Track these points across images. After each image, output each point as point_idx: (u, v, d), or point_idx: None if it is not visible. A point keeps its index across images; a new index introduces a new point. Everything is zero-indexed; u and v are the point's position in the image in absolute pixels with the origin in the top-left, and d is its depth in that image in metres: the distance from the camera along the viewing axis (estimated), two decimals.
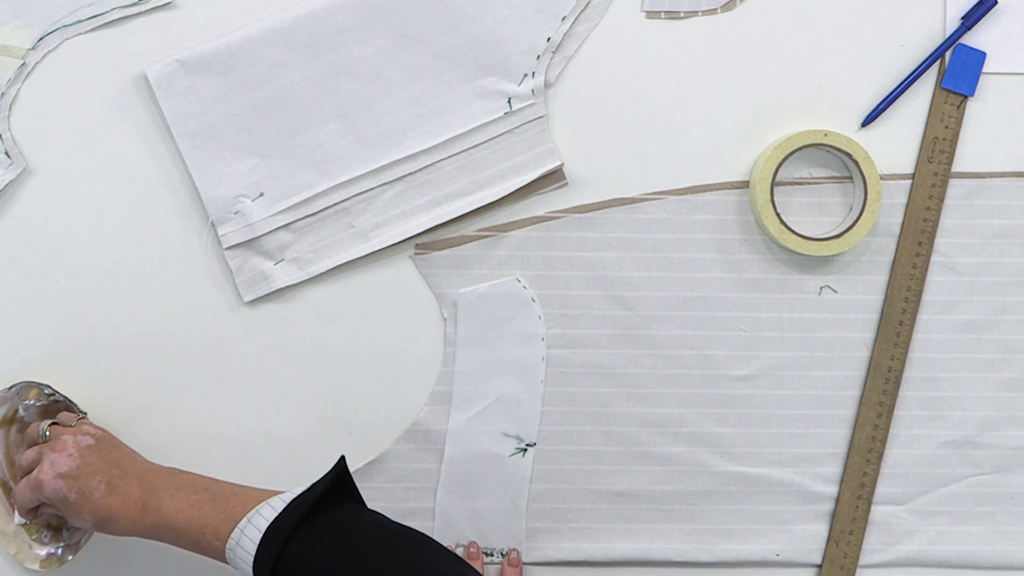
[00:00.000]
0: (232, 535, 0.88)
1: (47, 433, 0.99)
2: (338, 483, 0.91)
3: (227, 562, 0.89)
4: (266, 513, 0.87)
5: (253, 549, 0.86)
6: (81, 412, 1.04)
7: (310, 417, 1.08)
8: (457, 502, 1.08)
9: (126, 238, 1.06)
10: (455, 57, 1.05)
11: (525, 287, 1.07)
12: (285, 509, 0.87)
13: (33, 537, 1.05)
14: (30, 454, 0.99)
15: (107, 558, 1.07)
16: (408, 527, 0.88)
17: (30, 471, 0.98)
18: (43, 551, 1.05)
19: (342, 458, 0.92)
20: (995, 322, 1.09)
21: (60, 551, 1.05)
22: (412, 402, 1.08)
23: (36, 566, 1.04)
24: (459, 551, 1.09)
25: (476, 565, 1.07)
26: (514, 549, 1.08)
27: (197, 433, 1.07)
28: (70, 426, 1.00)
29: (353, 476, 1.06)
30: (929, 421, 1.10)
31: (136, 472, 0.96)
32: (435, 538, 1.08)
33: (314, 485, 0.89)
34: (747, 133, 1.08)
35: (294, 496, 0.88)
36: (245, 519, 0.88)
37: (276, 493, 0.90)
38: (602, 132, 1.07)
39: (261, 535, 0.86)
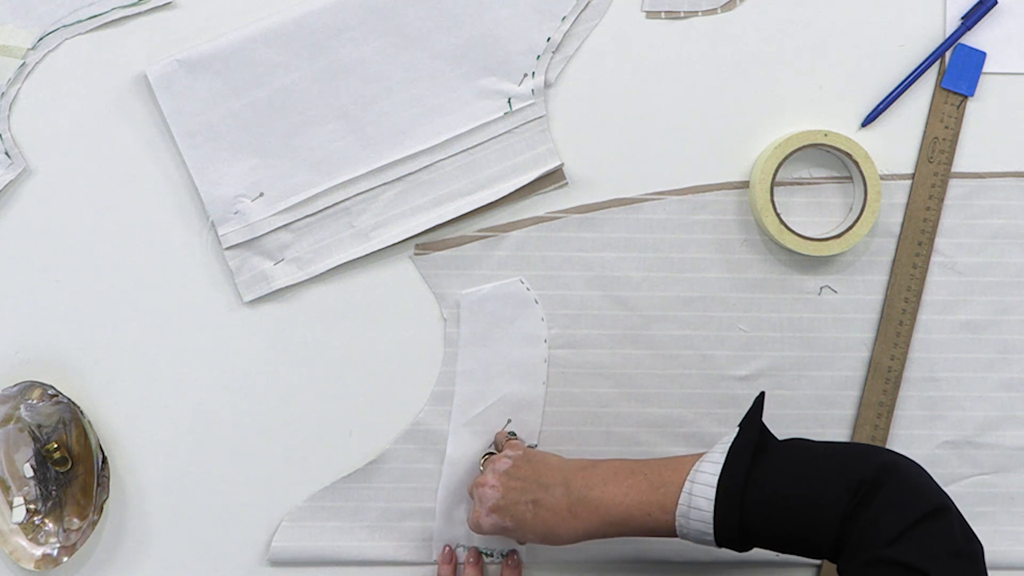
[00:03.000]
0: (680, 500, 0.89)
1: (481, 467, 1.05)
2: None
3: (675, 532, 0.90)
4: (708, 468, 0.89)
5: (710, 505, 0.87)
6: (511, 435, 1.08)
7: (310, 417, 1.08)
8: (458, 503, 1.08)
9: (126, 238, 1.06)
10: (455, 57, 1.05)
11: (528, 288, 1.07)
12: (728, 457, 0.88)
13: (29, 537, 1.05)
14: (468, 488, 1.05)
15: (102, 559, 1.07)
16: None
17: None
18: (38, 551, 1.05)
19: (762, 394, 0.93)
20: (995, 322, 1.09)
21: (56, 551, 1.05)
22: (412, 402, 1.08)
23: (31, 566, 1.04)
24: (459, 552, 1.08)
25: (475, 570, 1.07)
26: (514, 550, 1.08)
27: (197, 433, 1.07)
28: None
29: (353, 476, 1.07)
30: (929, 421, 1.10)
31: (557, 481, 0.96)
32: (435, 539, 1.09)
33: (744, 429, 0.90)
34: (747, 133, 1.08)
35: (727, 445, 0.89)
36: (688, 481, 0.89)
37: (697, 456, 0.91)
38: (602, 132, 1.07)
39: (714, 490, 0.87)
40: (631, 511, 0.91)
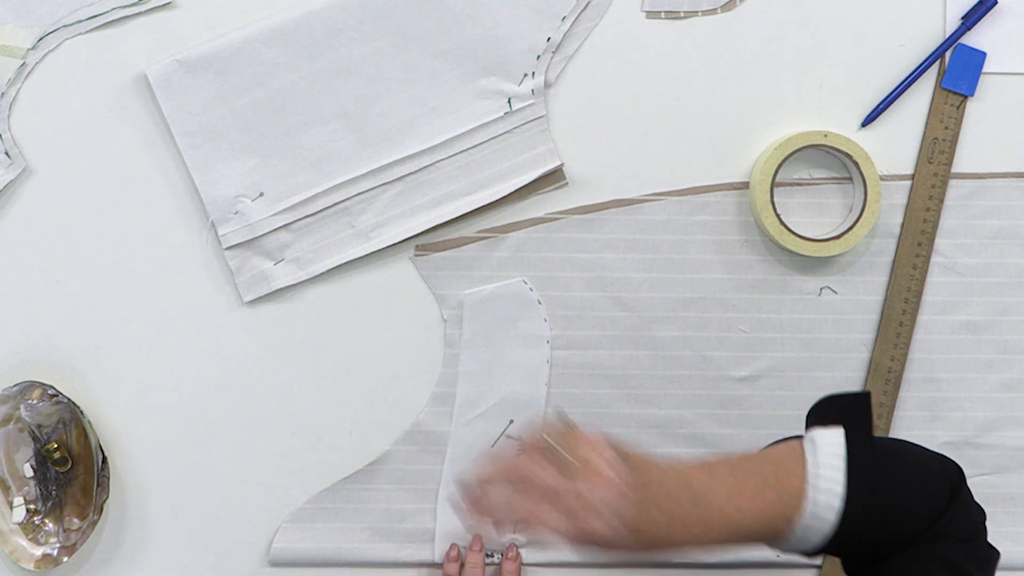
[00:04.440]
0: (806, 511, 0.77)
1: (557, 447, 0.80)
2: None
3: (786, 540, 0.78)
4: (829, 475, 0.77)
5: (832, 517, 0.76)
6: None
7: (310, 417, 1.08)
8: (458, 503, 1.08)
9: (126, 238, 1.06)
10: (455, 57, 1.05)
11: (531, 289, 1.07)
12: (850, 469, 0.77)
13: (29, 537, 1.05)
14: (546, 478, 0.78)
15: (102, 559, 1.07)
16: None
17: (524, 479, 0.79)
18: (38, 551, 1.05)
19: (868, 395, 0.82)
20: (995, 323, 1.09)
21: (56, 551, 1.05)
22: (412, 403, 1.08)
23: (31, 566, 1.04)
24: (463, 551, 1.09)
25: (478, 558, 1.07)
26: (513, 545, 1.08)
27: (197, 433, 1.07)
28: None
29: (353, 477, 1.07)
30: (929, 422, 1.10)
31: (674, 485, 0.78)
32: (435, 540, 1.08)
33: (855, 436, 0.79)
34: (747, 134, 1.08)
35: (840, 449, 0.78)
36: (810, 488, 0.77)
37: (797, 437, 0.82)
38: (602, 132, 1.07)
39: (841, 501, 0.76)
40: (759, 520, 0.78)
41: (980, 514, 0.81)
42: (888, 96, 1.07)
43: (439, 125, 1.06)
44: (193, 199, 1.06)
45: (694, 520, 0.77)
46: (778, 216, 1.05)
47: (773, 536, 0.78)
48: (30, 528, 1.05)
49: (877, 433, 1.07)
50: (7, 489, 1.06)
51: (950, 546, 0.78)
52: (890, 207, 1.08)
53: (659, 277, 1.08)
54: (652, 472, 0.78)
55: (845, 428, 0.79)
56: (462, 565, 1.08)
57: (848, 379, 1.09)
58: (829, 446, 0.79)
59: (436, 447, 1.08)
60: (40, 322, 1.06)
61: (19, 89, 1.05)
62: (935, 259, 1.08)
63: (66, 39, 1.04)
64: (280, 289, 1.06)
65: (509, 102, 1.06)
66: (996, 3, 1.06)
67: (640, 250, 1.08)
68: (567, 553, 1.09)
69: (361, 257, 1.07)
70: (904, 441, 0.84)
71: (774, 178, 1.05)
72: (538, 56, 1.06)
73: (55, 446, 1.05)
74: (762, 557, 1.09)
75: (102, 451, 1.04)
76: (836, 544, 0.78)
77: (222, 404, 1.07)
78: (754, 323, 1.09)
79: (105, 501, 1.04)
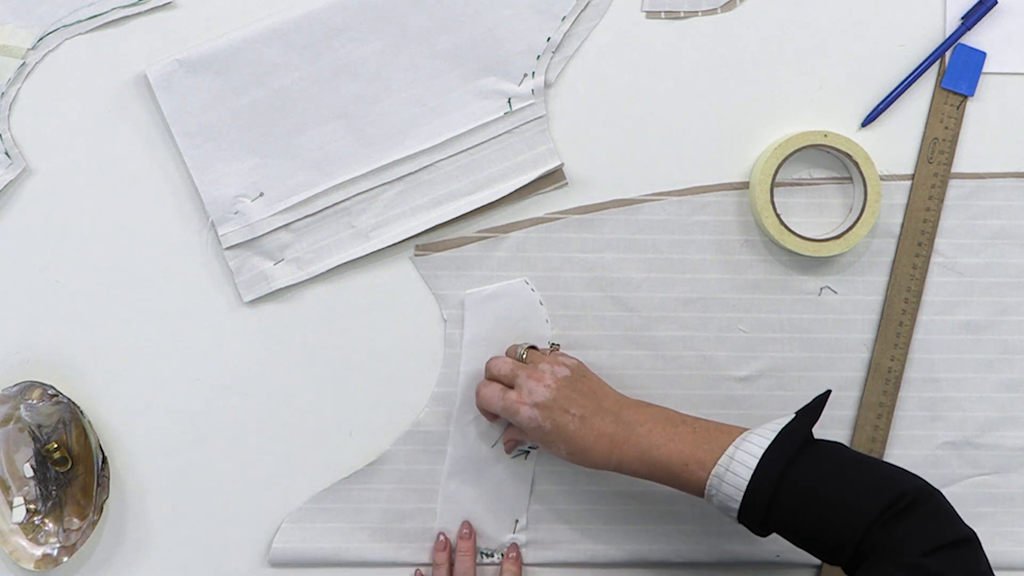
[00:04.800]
0: (720, 461, 0.90)
1: (524, 356, 1.02)
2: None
3: (703, 493, 0.92)
4: (755, 440, 0.90)
5: (747, 474, 0.88)
6: (554, 344, 1.07)
7: (310, 417, 1.08)
8: (458, 504, 1.08)
9: (126, 238, 1.06)
10: (455, 57, 1.05)
11: (533, 289, 1.07)
12: (778, 438, 0.89)
13: (29, 537, 1.05)
14: (501, 365, 1.02)
15: (102, 559, 1.07)
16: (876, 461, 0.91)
17: (495, 379, 1.02)
18: (38, 551, 1.05)
19: (827, 393, 0.94)
20: (995, 323, 1.09)
21: (56, 551, 1.05)
22: (412, 403, 1.08)
23: (31, 566, 1.04)
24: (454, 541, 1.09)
25: (467, 544, 1.07)
26: (514, 544, 1.08)
27: (197, 433, 1.07)
28: (545, 353, 1.03)
29: (353, 477, 1.07)
30: (929, 422, 1.09)
31: (609, 407, 0.98)
32: (436, 540, 1.08)
33: (801, 416, 0.91)
34: (747, 134, 1.08)
35: (780, 426, 0.90)
36: (732, 446, 0.90)
37: (745, 428, 0.93)
38: (602, 132, 1.07)
39: (757, 460, 0.88)
40: (671, 458, 0.93)
41: (949, 532, 0.84)
42: (888, 96, 1.07)
43: (439, 125, 1.06)
44: (193, 199, 1.06)
45: (620, 439, 0.95)
46: (778, 216, 1.05)
47: (689, 478, 0.92)
48: (30, 528, 1.05)
49: (877, 433, 1.08)
50: (7, 489, 1.06)
51: (922, 558, 0.81)
52: (890, 207, 1.08)
53: (659, 277, 1.08)
54: (595, 390, 0.98)
55: (796, 415, 0.92)
56: (450, 554, 1.08)
57: (848, 379, 1.09)
58: (771, 424, 0.91)
59: (436, 447, 1.08)
60: (40, 322, 1.06)
61: (19, 89, 1.04)
62: (935, 259, 1.08)
63: (66, 39, 1.04)
64: (280, 289, 1.06)
65: (509, 102, 1.06)
66: (996, 3, 1.06)
67: (640, 250, 1.08)
68: (567, 553, 1.09)
69: (361, 257, 1.07)
70: (857, 452, 0.92)
71: (774, 178, 1.05)
72: (538, 56, 1.06)
73: (55, 446, 1.05)
74: (762, 557, 1.09)
75: (102, 451, 1.04)
76: (769, 518, 0.88)
77: (222, 404, 1.07)
78: (754, 323, 1.09)
79: (105, 501, 1.04)
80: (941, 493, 0.87)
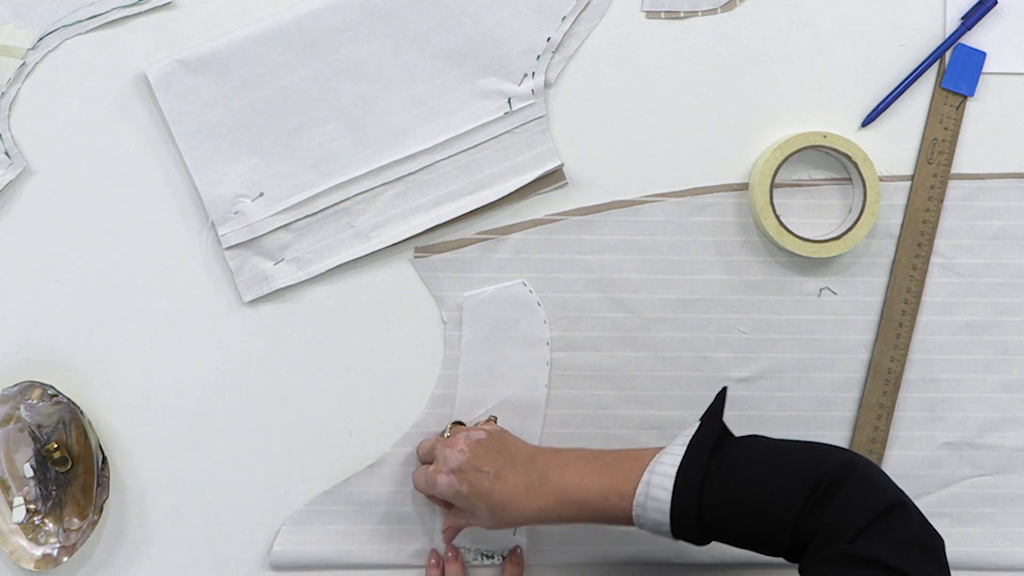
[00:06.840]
0: (638, 490, 0.90)
1: (447, 433, 1.04)
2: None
3: (632, 520, 0.91)
4: (667, 460, 0.89)
5: (667, 496, 0.88)
6: (491, 416, 1.08)
7: (310, 418, 1.08)
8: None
9: (126, 238, 1.06)
10: (455, 57, 1.05)
11: (531, 291, 1.07)
12: (688, 450, 0.89)
13: (29, 537, 1.05)
14: (425, 445, 1.05)
15: (102, 559, 1.07)
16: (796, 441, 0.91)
17: (426, 462, 1.04)
18: (38, 551, 1.05)
19: (724, 390, 0.94)
20: (995, 323, 1.09)
21: (56, 551, 1.05)
22: (412, 405, 1.08)
23: (31, 566, 1.04)
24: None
25: (455, 567, 1.08)
26: (517, 546, 1.08)
27: (197, 433, 1.07)
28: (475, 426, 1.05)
29: (353, 479, 1.07)
30: (929, 423, 1.09)
31: (521, 458, 0.97)
32: (437, 542, 1.08)
33: (705, 423, 0.91)
34: (747, 134, 1.08)
35: (688, 438, 0.90)
36: (647, 472, 0.90)
37: (659, 448, 0.92)
38: (602, 132, 1.07)
39: (673, 481, 0.88)
40: (589, 494, 0.92)
41: (875, 502, 0.83)
42: (888, 96, 1.07)
43: (439, 125, 1.06)
44: (193, 199, 1.06)
45: (535, 486, 0.94)
46: (777, 217, 1.05)
47: (613, 510, 0.91)
48: (30, 528, 1.05)
49: (877, 434, 1.08)
50: (7, 489, 1.06)
51: (850, 544, 0.81)
52: (890, 208, 1.08)
53: (659, 278, 1.08)
54: (507, 446, 0.98)
55: (700, 423, 0.92)
56: (443, 568, 1.08)
57: (848, 380, 1.09)
58: (679, 438, 0.91)
59: None
60: (40, 322, 1.06)
61: (19, 89, 1.05)
62: (935, 260, 1.08)
63: (66, 39, 1.04)
64: (280, 289, 1.06)
65: (509, 102, 1.06)
66: (996, 3, 1.06)
67: (640, 251, 1.08)
68: (568, 554, 1.09)
69: (361, 257, 1.07)
70: (772, 439, 0.91)
71: (773, 179, 1.05)
72: (538, 56, 1.06)
73: (55, 446, 1.05)
74: (761, 557, 1.08)
75: (102, 451, 1.04)
76: (703, 528, 0.88)
77: (222, 404, 1.07)
78: (754, 324, 1.09)
79: (105, 501, 1.04)
80: (864, 459, 0.87)
